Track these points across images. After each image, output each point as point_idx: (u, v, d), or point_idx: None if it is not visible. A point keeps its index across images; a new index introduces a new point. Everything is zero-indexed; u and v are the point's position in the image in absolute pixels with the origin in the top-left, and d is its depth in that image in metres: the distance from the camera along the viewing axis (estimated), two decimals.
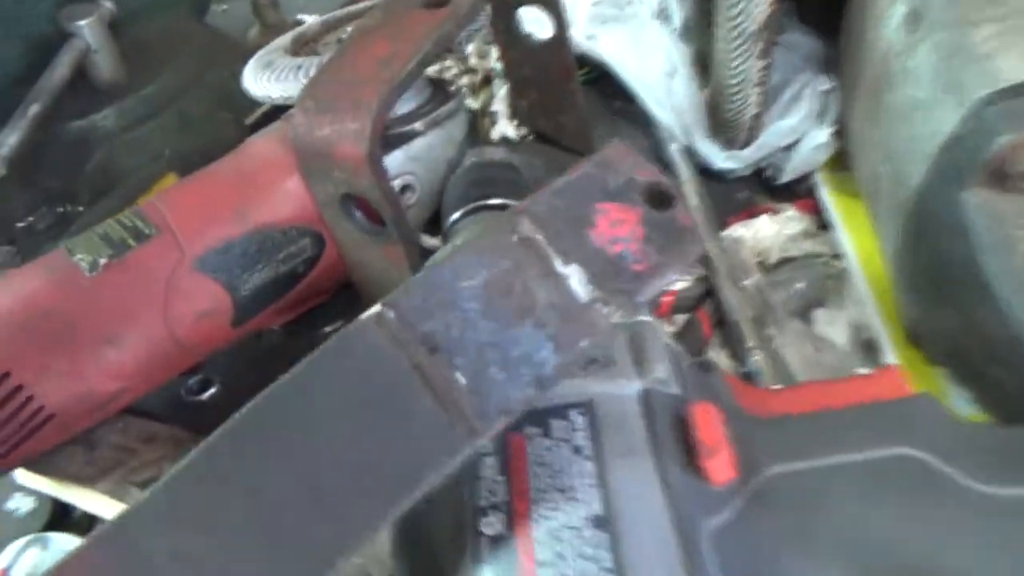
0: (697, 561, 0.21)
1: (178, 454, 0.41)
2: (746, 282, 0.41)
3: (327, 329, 0.43)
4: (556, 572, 0.21)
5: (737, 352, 0.39)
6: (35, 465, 0.40)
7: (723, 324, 0.42)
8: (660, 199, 0.23)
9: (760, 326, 0.39)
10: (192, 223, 0.38)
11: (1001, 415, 0.31)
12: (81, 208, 0.52)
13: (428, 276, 0.22)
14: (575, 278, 0.22)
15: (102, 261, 0.36)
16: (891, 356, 0.36)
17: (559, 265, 0.22)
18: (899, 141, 0.34)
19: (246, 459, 0.20)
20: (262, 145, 0.41)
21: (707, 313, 0.42)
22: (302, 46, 0.45)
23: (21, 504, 1.34)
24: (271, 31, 0.69)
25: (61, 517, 0.47)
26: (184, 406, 0.43)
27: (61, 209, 0.51)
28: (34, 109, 0.48)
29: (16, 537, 1.03)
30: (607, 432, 0.24)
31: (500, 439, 0.24)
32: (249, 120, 0.58)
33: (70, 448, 0.40)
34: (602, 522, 0.22)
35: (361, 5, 0.48)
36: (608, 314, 0.22)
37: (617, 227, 0.23)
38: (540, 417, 0.25)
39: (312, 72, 0.39)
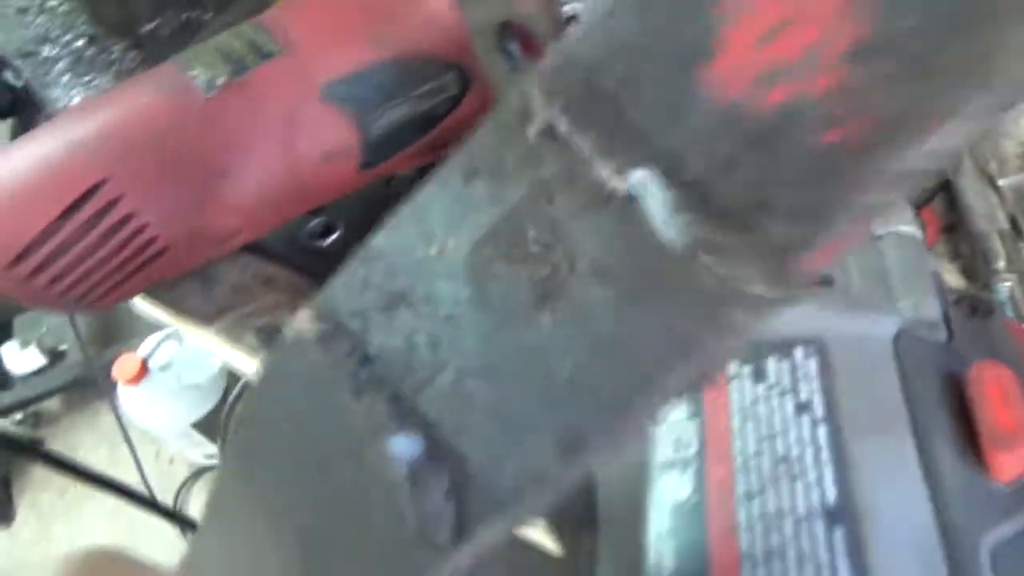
0: None
1: (295, 301, 0.38)
2: (1002, 182, 0.31)
3: None
4: (774, 570, 0.15)
5: (976, 272, 0.31)
6: (153, 296, 0.38)
7: (955, 230, 0.33)
8: None
9: (1014, 241, 0.30)
10: (322, 43, 0.32)
11: None
12: (207, 16, 0.47)
13: (375, 239, 0.15)
14: (650, 203, 0.11)
15: (220, 80, 0.31)
16: None
17: (609, 177, 0.12)
18: None
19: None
20: None
21: (934, 213, 0.33)
22: None
23: None
24: None
25: None
26: (304, 250, 0.39)
27: (186, 15, 0.47)
28: None
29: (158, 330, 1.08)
30: (847, 387, 0.17)
31: None
32: None
33: (187, 282, 0.37)
34: (837, 515, 0.16)
35: None
36: (732, 281, 0.11)
37: (778, 40, 0.11)
38: (752, 352, 0.18)
39: None
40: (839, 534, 0.15)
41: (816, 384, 0.17)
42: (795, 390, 0.17)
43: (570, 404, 0.12)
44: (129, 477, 1.15)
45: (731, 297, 0.11)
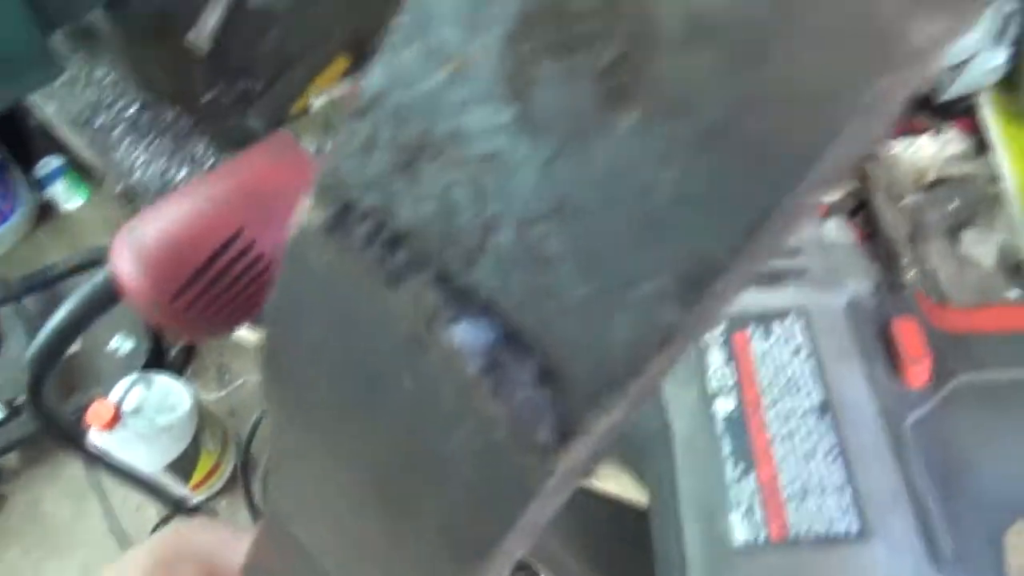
0: (902, 445, 0.26)
1: None
2: (905, 200, 0.43)
3: None
4: (789, 446, 0.25)
5: (890, 267, 0.42)
6: None
7: (873, 238, 0.45)
8: None
9: (914, 243, 0.42)
10: None
11: None
12: (259, 86, 0.56)
13: (369, 87, 0.11)
14: None
15: (326, 146, 0.40)
16: None
17: None
18: None
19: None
20: None
21: (858, 225, 0.45)
22: None
23: (122, 345, 1.47)
24: None
25: (157, 357, 0.53)
26: None
27: (243, 86, 0.55)
28: None
29: (122, 375, 1.15)
30: (821, 336, 0.28)
31: (724, 334, 0.29)
32: None
33: None
34: (824, 409, 0.26)
35: None
36: None
37: None
38: (761, 319, 0.29)
39: None
40: (826, 420, 0.26)
41: (803, 336, 0.28)
42: (790, 339, 0.28)
43: (687, 225, 0.09)
44: (96, 527, 1.15)
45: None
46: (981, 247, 0.43)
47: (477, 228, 0.10)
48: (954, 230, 0.45)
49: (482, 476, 0.11)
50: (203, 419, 1.12)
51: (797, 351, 0.28)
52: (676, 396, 0.28)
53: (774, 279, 0.29)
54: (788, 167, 0.08)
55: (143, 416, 1.06)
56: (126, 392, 1.07)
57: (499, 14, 0.09)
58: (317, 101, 0.50)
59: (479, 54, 0.10)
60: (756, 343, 0.28)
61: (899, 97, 0.08)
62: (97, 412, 1.02)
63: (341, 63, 0.55)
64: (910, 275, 0.41)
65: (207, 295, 0.39)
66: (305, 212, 0.11)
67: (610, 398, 0.09)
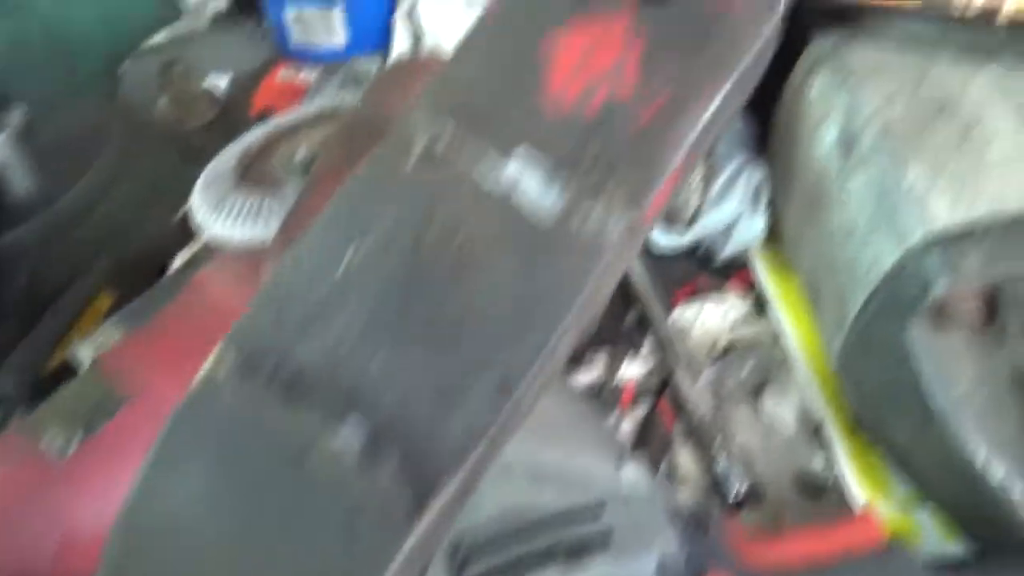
0: None
1: None
2: (703, 377, 0.44)
3: None
4: None
5: (702, 451, 0.42)
6: None
7: (682, 411, 0.45)
8: None
9: (719, 421, 0.43)
10: (167, 381, 0.37)
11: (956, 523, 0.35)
12: (7, 337, 0.49)
13: (279, 276, 0.17)
14: (527, 177, 0.15)
15: (73, 442, 0.35)
16: (838, 446, 0.40)
17: (494, 162, 0.15)
18: (840, 261, 0.38)
19: None
20: (221, 286, 0.40)
21: (667, 404, 0.45)
22: (249, 164, 0.44)
23: None
24: (182, 103, 0.66)
25: None
26: None
27: None
28: None
29: None
30: None
31: None
32: (179, 216, 0.56)
33: None
34: None
35: (299, 114, 0.47)
36: (596, 224, 0.14)
37: (591, 58, 0.15)
38: None
39: (275, 215, 0.38)
40: None
41: None
42: None
43: (502, 349, 0.14)
44: None
45: (602, 231, 0.16)
46: (781, 411, 0.44)
47: (359, 359, 0.14)
48: (754, 395, 0.46)
49: (353, 550, 0.13)
50: None
51: None
52: None
53: (581, 551, 0.27)
54: (552, 320, 0.15)
55: None
56: None
57: (377, 232, 0.16)
58: (80, 351, 0.44)
59: (365, 253, 0.16)
60: None
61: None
62: None
63: (104, 301, 0.49)
64: (722, 464, 0.41)
65: None
66: (217, 362, 0.16)
67: (449, 480, 0.13)
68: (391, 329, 0.15)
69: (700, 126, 0.15)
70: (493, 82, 0.16)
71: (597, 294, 0.16)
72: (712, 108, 0.15)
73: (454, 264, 0.15)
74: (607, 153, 0.16)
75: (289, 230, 0.37)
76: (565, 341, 0.16)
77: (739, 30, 0.16)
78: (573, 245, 0.15)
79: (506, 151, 0.16)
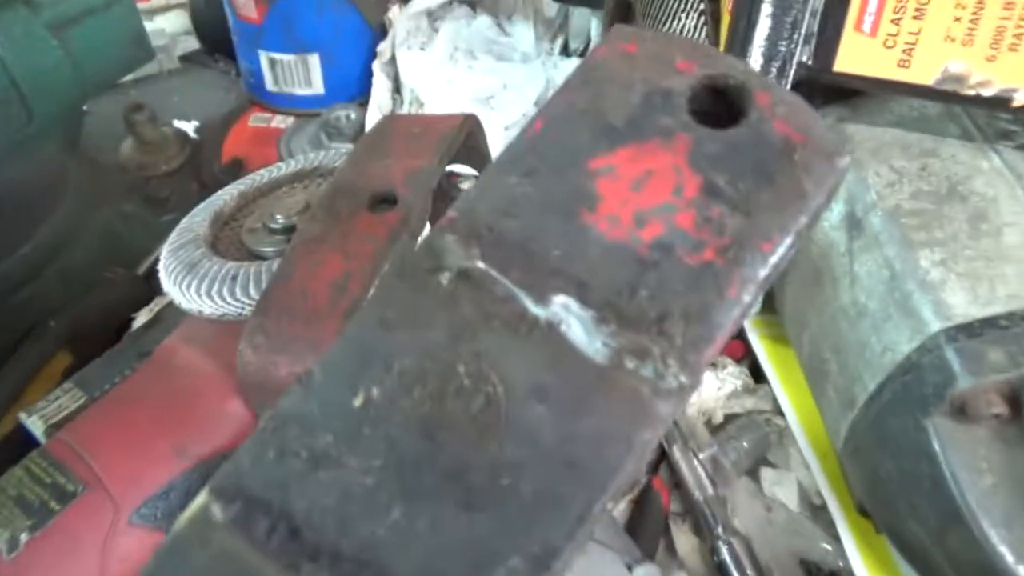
0: None
1: None
2: (702, 455, 0.42)
3: None
4: None
5: (701, 533, 0.40)
6: None
7: (680, 487, 0.43)
8: (725, 103, 0.14)
9: (721, 505, 0.41)
10: (124, 469, 0.34)
11: None
12: None
13: (284, 408, 0.14)
14: (571, 323, 0.14)
15: (23, 537, 0.31)
16: (844, 531, 0.39)
17: (533, 306, 0.14)
18: (848, 341, 0.36)
19: None
20: (189, 360, 0.37)
21: (663, 481, 0.43)
22: (221, 227, 0.41)
23: None
24: (148, 147, 0.63)
25: None
26: None
27: None
28: None
29: None
30: None
31: None
32: (142, 270, 0.53)
33: None
34: None
35: (276, 172, 0.44)
36: (651, 379, 0.13)
37: (644, 189, 0.14)
38: None
39: (250, 286, 0.35)
40: None
41: None
42: None
43: (538, 521, 0.12)
44: None
45: (654, 393, 0.13)
46: (781, 488, 0.43)
47: (369, 519, 0.13)
48: (753, 468, 0.44)
49: None
50: None
51: None
52: None
53: None
54: (596, 488, 0.13)
55: None
56: None
57: (400, 368, 0.13)
58: (30, 420, 0.40)
59: (383, 391, 0.13)
60: None
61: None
62: None
63: (61, 362, 0.46)
64: (724, 550, 0.39)
65: None
66: (207, 507, 0.14)
67: None
68: (415, 478, 0.13)
69: (766, 271, 0.14)
70: (532, 208, 0.14)
71: (644, 452, 0.14)
72: (780, 251, 0.14)
73: (486, 408, 0.13)
74: (661, 298, 0.14)
75: (269, 307, 0.34)
76: (607, 505, 0.14)
77: (812, 163, 0.14)
78: (623, 400, 0.13)
79: (545, 290, 0.14)
